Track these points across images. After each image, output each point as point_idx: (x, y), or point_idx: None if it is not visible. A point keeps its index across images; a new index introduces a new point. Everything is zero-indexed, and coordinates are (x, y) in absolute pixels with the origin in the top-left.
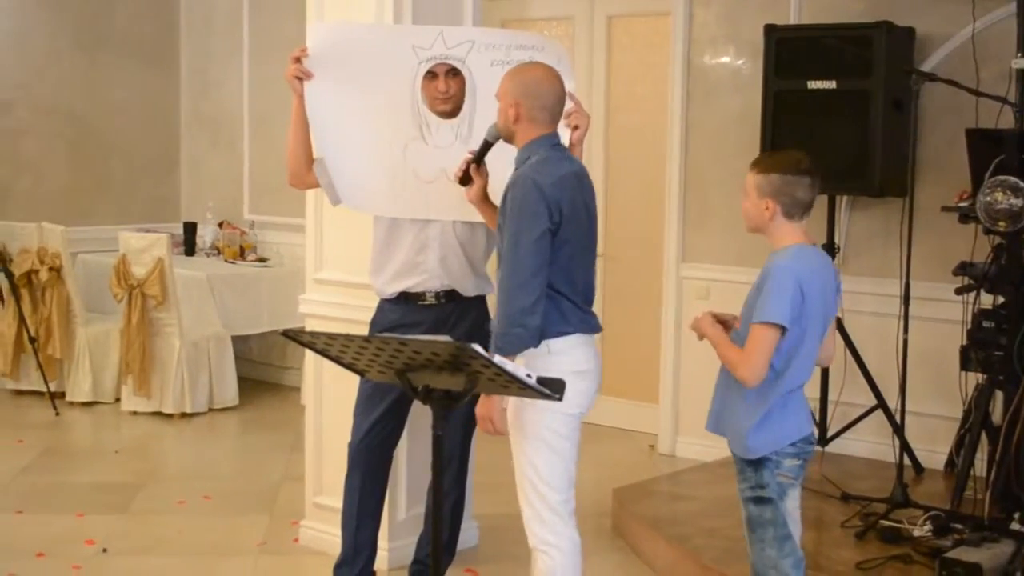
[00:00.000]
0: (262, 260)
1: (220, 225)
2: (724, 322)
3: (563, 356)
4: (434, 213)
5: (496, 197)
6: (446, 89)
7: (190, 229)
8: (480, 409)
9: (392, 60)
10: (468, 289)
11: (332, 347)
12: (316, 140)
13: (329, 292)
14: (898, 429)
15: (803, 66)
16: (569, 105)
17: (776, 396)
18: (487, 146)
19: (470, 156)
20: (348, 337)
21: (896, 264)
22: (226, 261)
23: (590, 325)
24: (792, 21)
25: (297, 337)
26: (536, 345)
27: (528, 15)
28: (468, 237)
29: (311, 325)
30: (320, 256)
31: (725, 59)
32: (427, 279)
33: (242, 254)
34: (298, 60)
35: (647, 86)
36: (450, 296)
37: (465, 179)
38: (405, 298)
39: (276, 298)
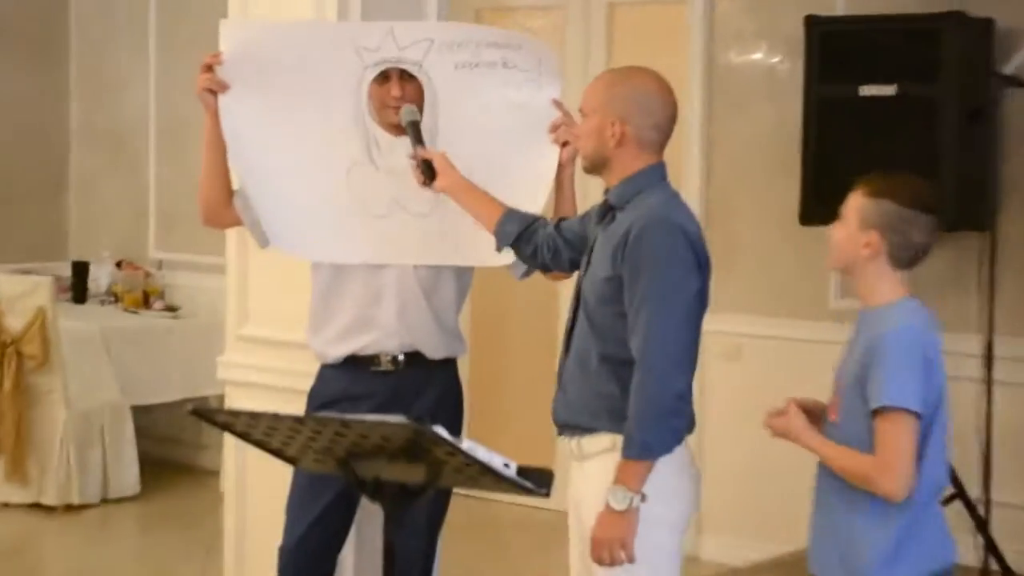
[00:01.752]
0: (172, 309)
1: (119, 265)
2: (808, 411)
3: (680, 456)
4: (389, 256)
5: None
6: (400, 94)
7: (80, 270)
8: (602, 530)
9: (330, 65)
10: (434, 350)
11: (255, 429)
12: (235, 167)
13: (256, 353)
14: (981, 524)
15: (854, 67)
16: (556, 116)
17: (907, 511)
18: (415, 128)
19: (413, 153)
20: (275, 417)
21: (972, 315)
22: (126, 310)
23: (693, 417)
24: (840, 11)
25: (210, 416)
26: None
27: (509, 3)
28: (433, 283)
29: (232, 395)
30: (244, 307)
31: (756, 58)
32: (382, 338)
33: (146, 302)
34: (210, 68)
35: None
36: (412, 360)
37: (426, 175)
38: (353, 363)
39: (189, 358)
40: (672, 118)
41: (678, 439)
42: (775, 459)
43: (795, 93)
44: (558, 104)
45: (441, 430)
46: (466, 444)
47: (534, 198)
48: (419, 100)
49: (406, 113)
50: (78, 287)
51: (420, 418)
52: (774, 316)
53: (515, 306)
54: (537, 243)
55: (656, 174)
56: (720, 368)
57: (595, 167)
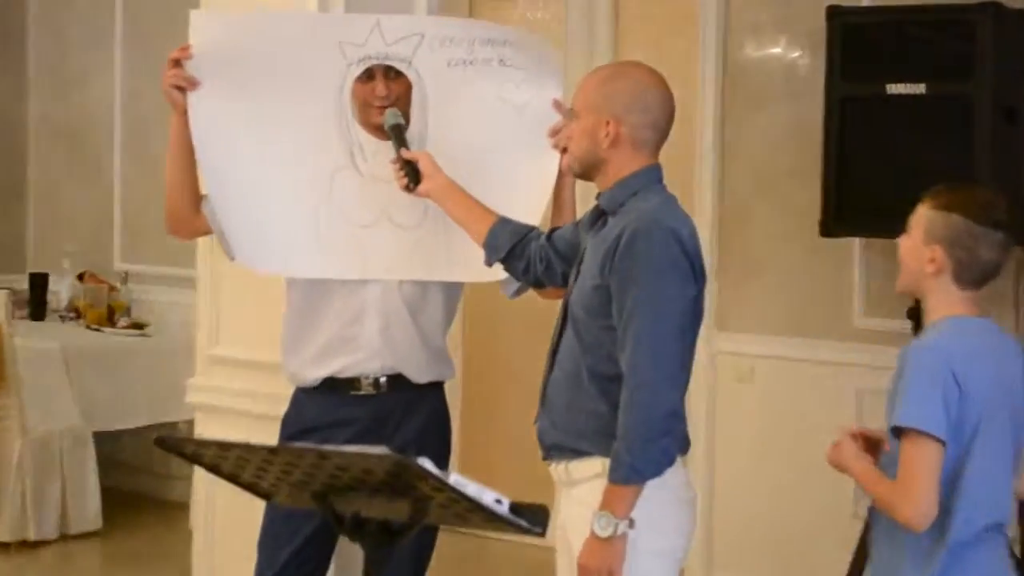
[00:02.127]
0: (138, 327)
1: (81, 278)
2: (870, 441)
3: (673, 480)
4: (373, 270)
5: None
6: (386, 92)
7: (39, 283)
8: (588, 558)
9: (310, 61)
10: (420, 373)
11: (225, 461)
12: (203, 170)
13: (228, 375)
14: (1019, 564)
15: (881, 63)
16: (556, 119)
17: (944, 548)
18: (399, 132)
19: (395, 158)
20: (247, 447)
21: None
22: (88, 328)
23: (687, 437)
24: (865, 1)
25: (177, 447)
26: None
27: None
28: (420, 300)
29: (203, 421)
30: (216, 325)
31: (774, 52)
32: (363, 359)
33: (111, 318)
34: (178, 63)
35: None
36: (395, 383)
37: (410, 179)
38: (331, 386)
39: (157, 380)
40: (670, 117)
41: (669, 461)
42: (791, 490)
43: (816, 91)
44: (559, 105)
45: (427, 463)
46: (454, 478)
47: (531, 208)
48: (407, 100)
49: (390, 116)
50: (36, 302)
51: (403, 449)
52: (792, 335)
53: (510, 323)
54: (530, 257)
55: (651, 176)
56: (732, 391)
57: (587, 170)
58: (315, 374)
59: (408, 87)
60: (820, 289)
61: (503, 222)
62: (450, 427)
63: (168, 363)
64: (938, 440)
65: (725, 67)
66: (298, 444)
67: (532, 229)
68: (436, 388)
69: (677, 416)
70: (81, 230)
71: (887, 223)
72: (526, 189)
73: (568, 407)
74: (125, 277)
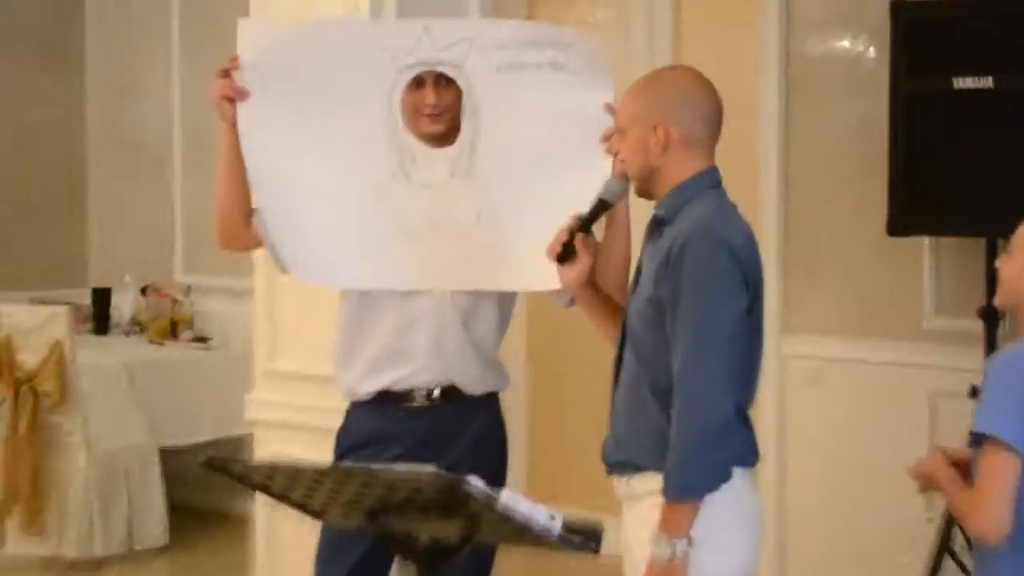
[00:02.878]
0: (202, 340)
1: (143, 291)
2: (958, 463)
3: (736, 495)
4: (428, 282)
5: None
6: (436, 100)
7: (101, 297)
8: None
9: (359, 69)
10: (474, 385)
11: (274, 481)
12: (254, 183)
13: (287, 389)
14: None
15: (947, 57)
16: (609, 123)
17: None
18: (602, 208)
19: (574, 221)
20: (295, 468)
21: None
22: (151, 342)
23: (757, 450)
24: None
25: (225, 467)
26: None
27: None
28: (472, 309)
29: (262, 437)
30: (274, 339)
31: (838, 48)
32: (415, 371)
33: (174, 332)
34: (227, 74)
35: (731, 86)
36: (449, 395)
37: (565, 254)
38: (385, 400)
39: (221, 394)
40: (718, 111)
41: (724, 475)
42: (864, 497)
43: (882, 88)
44: (611, 109)
45: (477, 481)
46: (504, 496)
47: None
48: (457, 108)
49: (610, 185)
50: (99, 316)
51: (458, 463)
52: (861, 337)
53: (577, 331)
54: None
55: (706, 181)
56: (800, 395)
57: (647, 185)
58: (368, 388)
59: (458, 95)
60: (889, 289)
61: None
62: (506, 439)
63: (232, 376)
64: (1014, 451)
65: (787, 63)
66: (346, 464)
67: None
68: (491, 400)
69: (730, 427)
70: (142, 243)
71: (956, 221)
72: (579, 196)
73: (630, 423)
74: (187, 290)
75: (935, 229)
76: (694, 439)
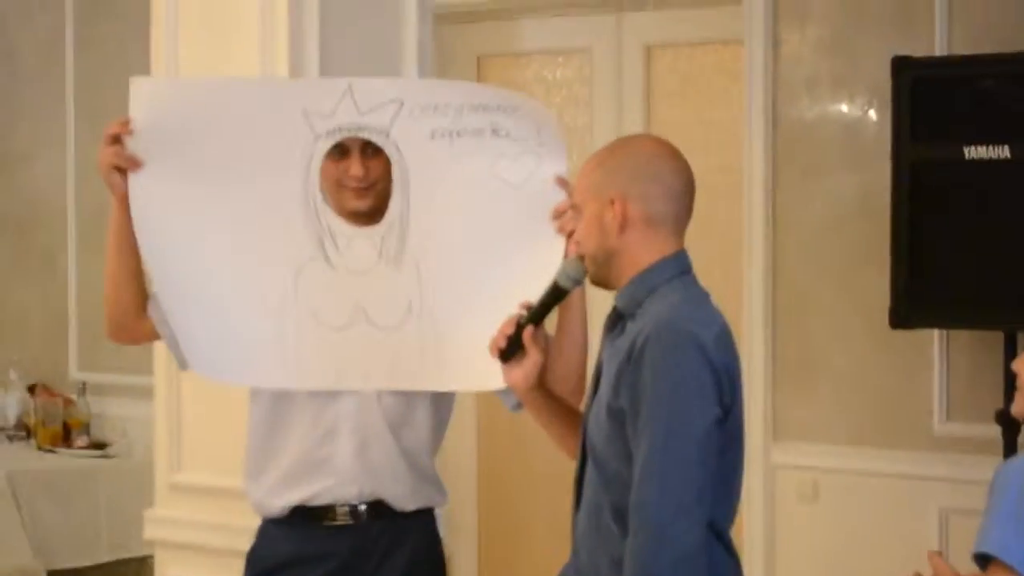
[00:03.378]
0: (99, 446)
1: (31, 390)
2: None
3: None
4: (351, 380)
5: None
6: (363, 172)
7: None
8: None
9: (272, 134)
10: (405, 500)
11: None
12: (150, 266)
13: (191, 505)
14: None
15: (958, 122)
16: (560, 198)
17: None
18: (556, 296)
19: (522, 312)
20: None
21: None
22: (41, 449)
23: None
24: (937, 51)
25: None
26: None
27: (519, 48)
28: (403, 413)
29: (163, 560)
30: (178, 447)
31: (833, 112)
32: (337, 484)
33: (67, 437)
34: (117, 139)
35: (711, 156)
36: (376, 511)
37: (511, 350)
38: (303, 516)
39: (121, 508)
40: (688, 185)
41: None
42: None
43: (883, 156)
44: (563, 183)
45: None
46: None
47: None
48: (387, 179)
49: (566, 268)
50: None
51: None
52: (861, 445)
53: (534, 440)
54: None
55: (672, 266)
56: (793, 513)
57: (604, 271)
58: (281, 502)
59: (387, 164)
60: (893, 390)
61: None
62: (444, 561)
63: (135, 489)
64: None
65: (776, 130)
66: None
67: None
68: (425, 516)
69: (688, 562)
70: (31, 335)
71: (969, 312)
72: (527, 282)
73: (592, 552)
74: (83, 389)
75: (945, 321)
76: (650, 571)
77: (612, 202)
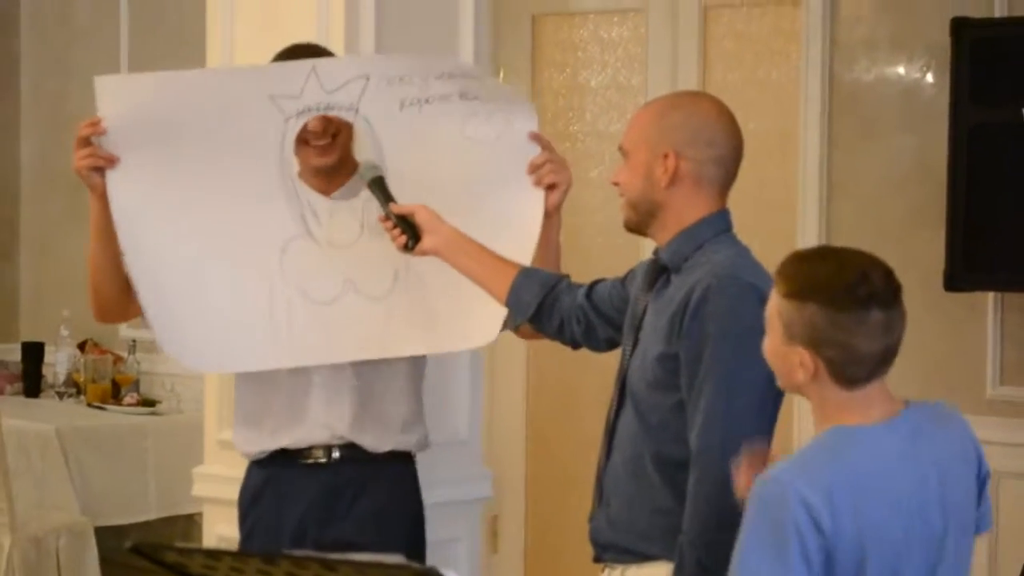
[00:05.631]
0: (149, 404)
1: (82, 347)
2: None
3: None
4: (345, 352)
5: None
6: (321, 128)
7: (33, 354)
8: None
9: (243, 121)
10: (374, 442)
11: (215, 571)
12: (130, 263)
13: (242, 463)
14: None
15: (1018, 83)
16: (537, 153)
17: None
18: (380, 187)
19: (383, 215)
20: (239, 556)
21: None
22: (90, 406)
23: None
24: (997, 12)
25: (154, 555)
26: None
27: (574, 7)
28: (374, 364)
29: (212, 518)
30: (228, 405)
31: (891, 73)
32: (310, 429)
33: (116, 394)
34: (88, 141)
35: (766, 118)
36: (350, 453)
37: (409, 236)
38: (281, 458)
39: (169, 466)
40: (738, 152)
41: None
42: None
43: (941, 118)
44: (537, 138)
45: (452, 575)
46: None
47: (518, 258)
48: (349, 140)
49: (366, 170)
50: (30, 376)
51: (361, 525)
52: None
53: (584, 391)
54: (563, 315)
55: (720, 223)
56: None
57: (642, 219)
58: (265, 447)
59: (351, 130)
60: (946, 354)
61: (526, 274)
62: (422, 511)
63: (183, 445)
64: None
65: (832, 91)
66: (299, 552)
67: (561, 279)
68: (401, 459)
69: None
70: (82, 292)
71: None
72: (509, 236)
73: (629, 502)
74: (133, 346)
75: (1000, 284)
76: (714, 519)
77: (665, 156)
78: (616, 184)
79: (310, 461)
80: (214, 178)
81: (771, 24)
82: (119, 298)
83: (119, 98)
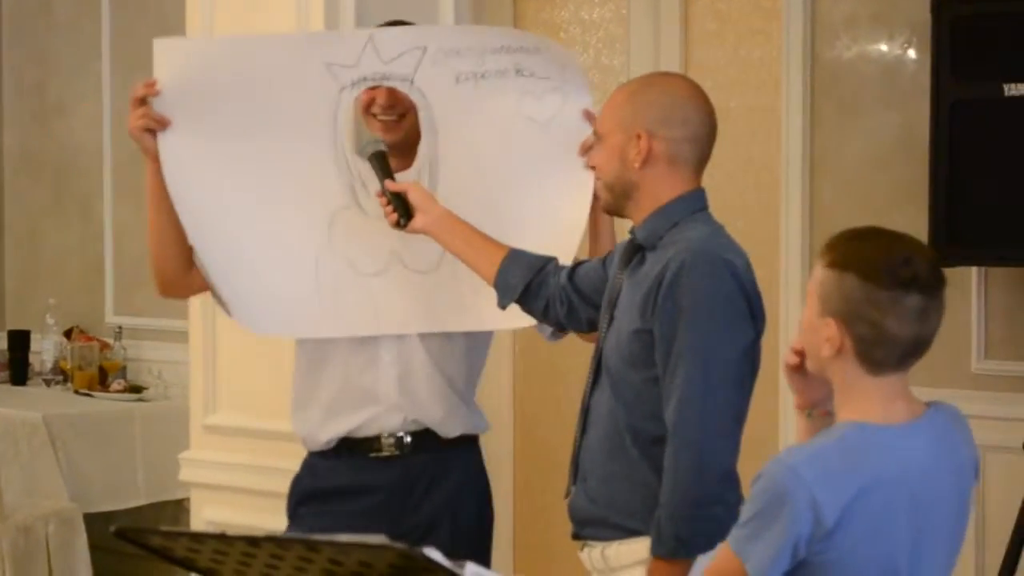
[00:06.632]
0: (135, 390)
1: (68, 334)
2: None
3: None
4: (389, 325)
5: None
6: (388, 103)
7: (19, 341)
8: None
9: (297, 88)
10: (448, 426)
11: (200, 554)
12: (186, 224)
13: (227, 447)
14: None
15: (999, 60)
16: (587, 134)
17: None
18: (382, 160)
19: (380, 191)
20: (222, 538)
21: None
22: (78, 393)
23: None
24: None
25: (139, 539)
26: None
27: None
28: (442, 344)
29: (199, 501)
30: (212, 389)
31: (871, 51)
32: (381, 413)
33: (103, 381)
34: (143, 102)
35: (748, 96)
36: (421, 441)
37: (400, 214)
38: (349, 447)
39: (157, 452)
40: (712, 131)
41: (723, 533)
42: None
43: (922, 95)
44: (590, 116)
45: (434, 553)
46: (470, 571)
47: (567, 238)
48: (413, 118)
49: (368, 144)
50: (16, 363)
51: (436, 518)
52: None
53: (571, 372)
54: (548, 297)
55: (695, 202)
56: None
57: (618, 201)
58: (327, 434)
59: (414, 111)
60: None
61: (514, 256)
62: (489, 489)
63: (170, 431)
64: None
65: (813, 69)
66: (284, 534)
67: (549, 261)
68: (469, 443)
69: (730, 480)
70: (67, 280)
71: (1009, 249)
72: (559, 217)
73: (607, 478)
74: (119, 333)
75: (984, 259)
76: (691, 492)
77: (638, 137)
78: (592, 168)
79: (382, 453)
80: (266, 144)
81: (752, 3)
82: (180, 269)
83: (175, 61)
